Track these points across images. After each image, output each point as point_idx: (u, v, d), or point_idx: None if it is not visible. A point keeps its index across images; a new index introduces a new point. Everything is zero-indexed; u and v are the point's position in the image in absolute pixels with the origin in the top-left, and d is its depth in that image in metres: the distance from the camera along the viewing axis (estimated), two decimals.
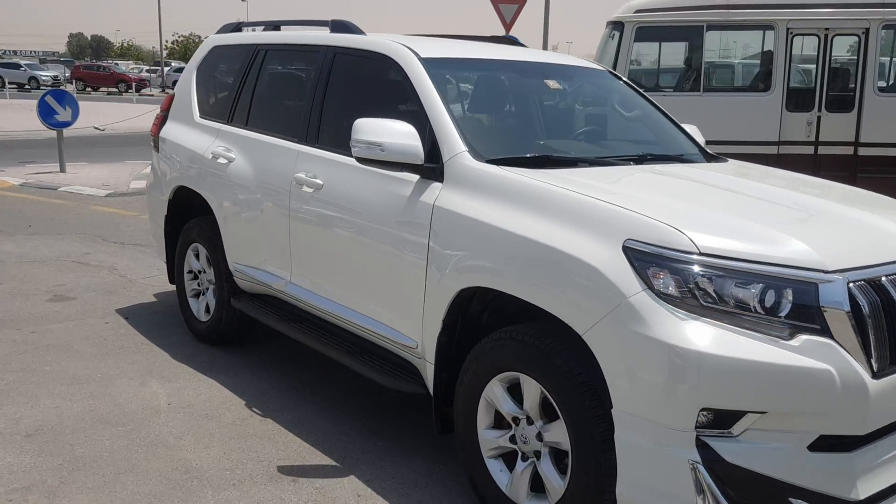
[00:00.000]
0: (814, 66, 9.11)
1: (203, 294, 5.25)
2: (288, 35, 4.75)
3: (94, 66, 54.96)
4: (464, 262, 3.17)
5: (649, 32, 9.10)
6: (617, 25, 9.07)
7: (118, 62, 71.23)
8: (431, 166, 3.44)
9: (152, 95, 44.81)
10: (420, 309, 3.39)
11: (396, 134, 3.39)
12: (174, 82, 47.74)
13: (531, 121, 4.20)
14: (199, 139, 5.09)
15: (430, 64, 3.77)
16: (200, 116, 5.25)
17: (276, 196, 4.33)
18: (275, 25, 5.01)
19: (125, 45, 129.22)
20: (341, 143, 3.92)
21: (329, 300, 4.04)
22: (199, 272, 5.25)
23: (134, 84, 47.20)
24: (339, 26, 4.38)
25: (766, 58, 9.11)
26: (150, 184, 5.76)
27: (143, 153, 15.92)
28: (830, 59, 8.94)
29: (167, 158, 5.40)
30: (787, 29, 8.77)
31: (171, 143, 5.37)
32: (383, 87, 4.02)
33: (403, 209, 3.50)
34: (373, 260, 3.67)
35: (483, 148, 3.44)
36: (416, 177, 3.50)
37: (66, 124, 12.66)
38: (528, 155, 3.57)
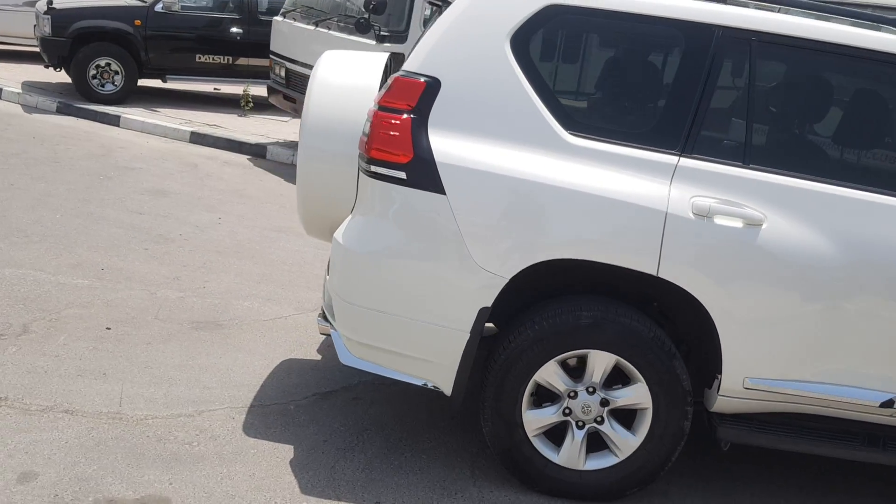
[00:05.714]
0: None
1: (578, 428, 3.16)
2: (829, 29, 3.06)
3: None
4: None
5: None
6: None
7: None
8: None
9: None
10: None
11: None
12: None
13: None
14: (616, 179, 2.98)
15: None
16: (573, 134, 3.03)
17: None
18: None
19: None
20: None
21: None
22: (572, 395, 3.14)
23: None
24: None
25: None
26: (400, 249, 3.08)
27: None
28: None
29: (484, 203, 3.03)
30: None
31: (495, 177, 3.02)
32: None
33: None
34: None
35: None
36: None
37: None
38: None
